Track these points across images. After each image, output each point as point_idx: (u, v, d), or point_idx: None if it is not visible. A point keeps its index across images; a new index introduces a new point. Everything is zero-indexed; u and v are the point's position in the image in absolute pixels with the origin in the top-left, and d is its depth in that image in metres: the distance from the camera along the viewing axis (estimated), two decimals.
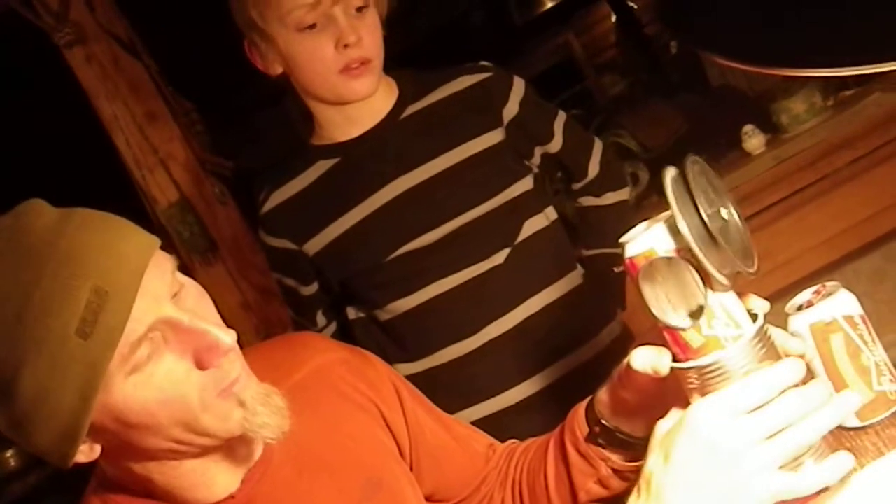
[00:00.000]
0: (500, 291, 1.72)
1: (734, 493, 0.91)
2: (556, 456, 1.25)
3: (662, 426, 0.99)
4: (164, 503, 1.07)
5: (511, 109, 1.74)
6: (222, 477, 1.08)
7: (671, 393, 1.02)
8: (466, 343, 1.72)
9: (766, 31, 0.94)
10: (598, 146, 1.88)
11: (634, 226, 0.99)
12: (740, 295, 0.97)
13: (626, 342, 1.67)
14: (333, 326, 1.89)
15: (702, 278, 0.92)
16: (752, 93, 3.16)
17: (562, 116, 1.83)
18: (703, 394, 0.95)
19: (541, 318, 1.74)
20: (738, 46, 0.96)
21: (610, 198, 1.89)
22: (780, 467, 0.91)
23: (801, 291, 1.22)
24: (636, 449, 1.17)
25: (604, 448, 1.19)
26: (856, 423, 1.18)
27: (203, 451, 1.04)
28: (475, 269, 1.71)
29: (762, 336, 0.95)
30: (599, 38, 4.78)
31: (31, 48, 2.72)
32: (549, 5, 4.65)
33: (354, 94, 1.66)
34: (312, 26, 1.60)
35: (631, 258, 0.96)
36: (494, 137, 1.72)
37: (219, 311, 1.04)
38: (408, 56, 1.90)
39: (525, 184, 1.76)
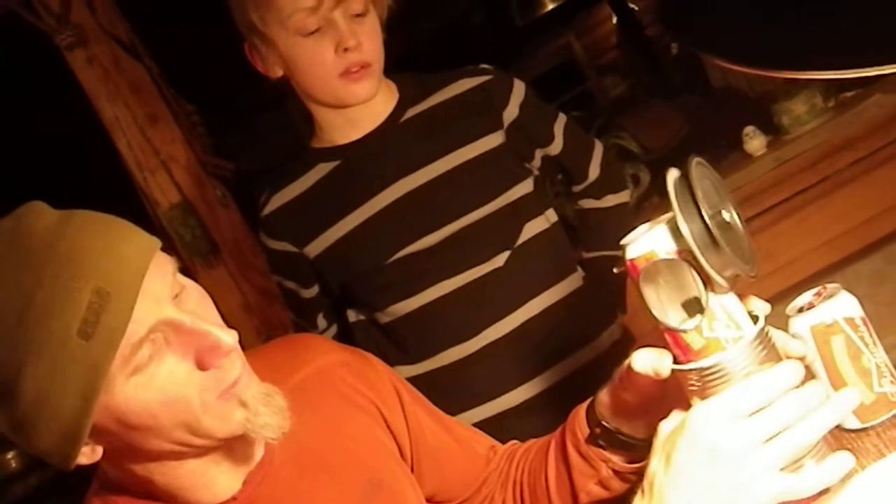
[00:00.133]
0: (500, 294, 1.72)
1: (736, 495, 0.91)
2: (557, 457, 1.25)
3: (666, 427, 0.99)
4: None
5: (511, 112, 1.75)
6: (224, 478, 1.08)
7: (672, 394, 1.02)
8: (467, 345, 1.72)
9: (766, 33, 0.94)
10: (598, 148, 1.88)
11: (635, 227, 0.99)
12: (741, 297, 0.97)
13: (627, 344, 1.68)
14: (334, 329, 1.89)
15: (703, 280, 0.92)
16: (753, 94, 3.16)
17: (562, 119, 1.83)
18: (704, 396, 0.95)
19: (541, 321, 1.74)
20: (739, 48, 0.96)
21: (610, 200, 1.89)
22: (781, 469, 0.91)
23: (801, 293, 1.22)
24: (637, 450, 1.17)
25: (604, 449, 1.19)
26: (857, 424, 1.18)
27: (204, 452, 1.04)
28: (475, 272, 1.71)
29: (763, 338, 0.95)
30: (600, 39, 4.78)
31: (33, 49, 2.72)
32: (550, 7, 4.65)
33: (354, 97, 1.66)
34: (313, 30, 1.60)
35: (632, 260, 0.96)
36: (495, 140, 1.73)
37: (220, 313, 1.04)
38: (408, 58, 1.90)
39: (525, 186, 1.76)
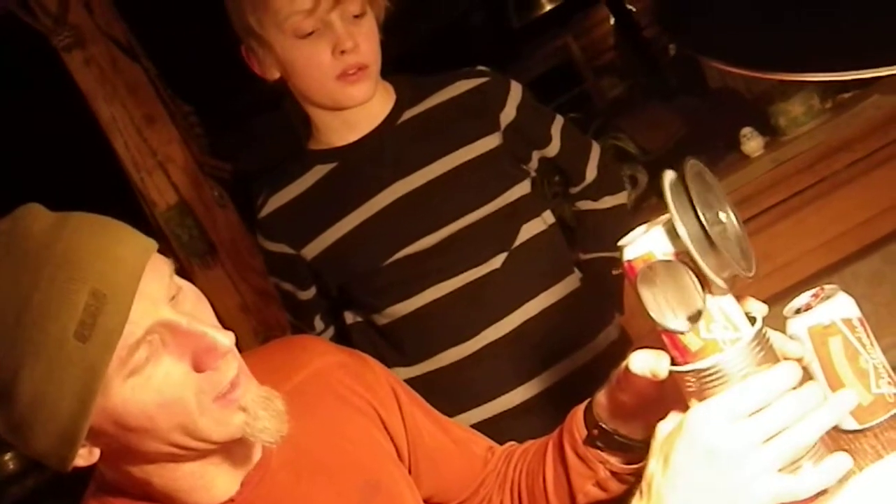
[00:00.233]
0: (497, 295, 1.72)
1: (734, 496, 0.91)
2: (555, 458, 1.25)
3: (664, 428, 0.99)
4: None
5: (508, 114, 1.75)
6: (221, 480, 1.08)
7: (670, 396, 1.02)
8: (464, 347, 1.72)
9: (763, 35, 0.94)
10: (595, 150, 1.88)
11: (633, 229, 0.99)
12: (738, 298, 0.97)
13: (624, 346, 1.68)
14: (331, 331, 1.89)
15: (700, 282, 0.92)
16: (751, 95, 3.17)
17: (559, 120, 1.83)
18: (702, 397, 0.95)
19: (538, 322, 1.74)
20: (736, 50, 0.96)
21: (607, 202, 1.89)
22: (779, 470, 0.91)
23: (799, 294, 1.22)
24: (634, 451, 1.17)
25: (602, 451, 1.19)
26: (854, 425, 1.18)
27: (202, 455, 1.04)
28: (473, 273, 1.71)
29: (760, 339, 0.95)
30: (598, 40, 4.79)
31: (30, 50, 2.72)
32: (548, 8, 4.65)
33: (351, 99, 1.66)
34: (310, 32, 1.60)
35: (629, 261, 0.96)
36: (492, 142, 1.73)
37: (217, 314, 1.04)
38: (406, 59, 1.90)
39: (522, 188, 1.76)
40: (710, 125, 3.12)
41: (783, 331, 1.14)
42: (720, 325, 0.94)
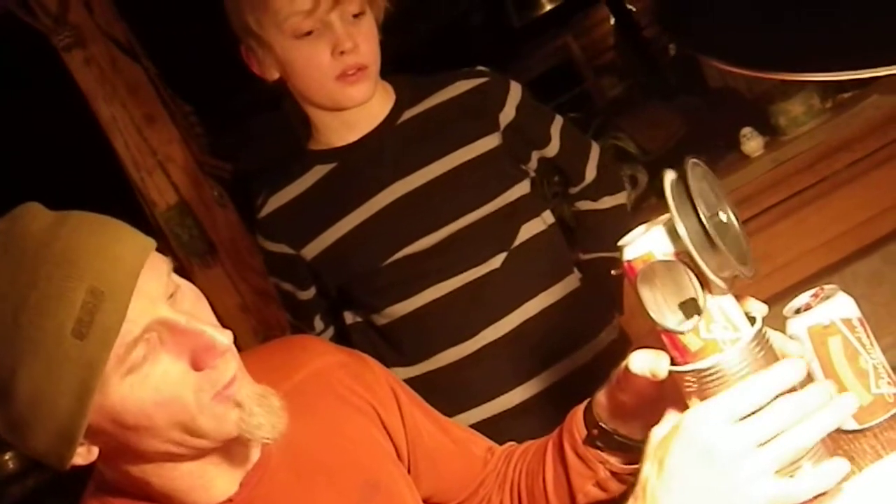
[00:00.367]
0: (497, 295, 1.72)
1: (730, 498, 0.91)
2: (555, 458, 1.25)
3: (657, 432, 0.98)
4: None
5: (508, 114, 1.74)
6: (220, 480, 1.08)
7: (669, 396, 1.02)
8: (463, 347, 1.72)
9: (763, 35, 0.94)
10: (595, 150, 1.88)
11: (633, 229, 0.99)
12: (738, 298, 0.97)
13: (624, 346, 1.68)
14: (331, 331, 1.89)
15: (700, 282, 0.92)
16: (751, 95, 3.17)
17: (559, 120, 1.83)
18: (702, 397, 0.95)
19: (538, 322, 1.74)
20: (736, 50, 0.96)
21: (607, 202, 1.89)
22: (778, 471, 0.91)
23: (799, 294, 1.22)
24: (634, 451, 1.17)
25: (602, 451, 1.19)
26: (854, 426, 1.18)
27: (200, 454, 1.04)
28: (472, 273, 1.71)
29: (760, 339, 0.95)
30: (598, 40, 4.79)
31: (30, 50, 2.72)
32: (548, 8, 4.66)
33: (351, 100, 1.66)
34: (309, 33, 1.60)
35: (629, 261, 0.96)
36: (491, 142, 1.72)
37: (217, 314, 1.05)
38: (405, 60, 1.90)
39: (522, 188, 1.76)
40: (710, 125, 3.12)
41: (783, 331, 1.14)
42: (720, 325, 0.94)
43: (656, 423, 1.07)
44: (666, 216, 0.93)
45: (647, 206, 2.95)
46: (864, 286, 2.75)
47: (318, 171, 1.73)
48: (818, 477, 0.92)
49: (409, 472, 1.27)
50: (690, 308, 0.94)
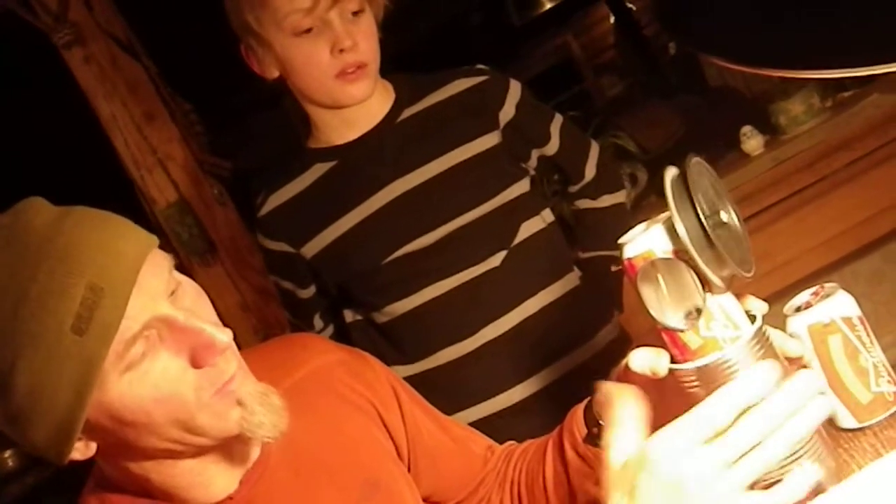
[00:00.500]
0: (496, 294, 1.72)
1: None
2: (555, 457, 1.25)
3: (616, 458, 0.94)
4: (163, 503, 1.07)
5: (507, 112, 1.74)
6: (220, 477, 1.08)
7: (669, 394, 1.02)
8: (463, 345, 1.72)
9: (764, 32, 0.94)
10: (594, 149, 1.88)
11: (633, 227, 0.99)
12: (738, 296, 0.97)
13: (623, 344, 1.68)
14: (331, 329, 1.89)
15: (700, 280, 0.92)
16: (751, 94, 3.17)
17: (558, 119, 1.83)
18: (702, 395, 0.95)
19: (537, 321, 1.74)
20: (736, 47, 0.96)
21: (606, 200, 1.89)
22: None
23: (799, 293, 1.22)
24: None
25: (602, 449, 1.19)
26: (854, 424, 1.19)
27: (200, 451, 1.04)
28: (472, 272, 1.71)
29: (760, 337, 0.95)
30: (598, 39, 4.79)
31: (30, 48, 2.72)
32: (548, 6, 4.66)
33: (350, 98, 1.66)
34: (308, 30, 1.60)
35: (629, 259, 0.96)
36: (491, 140, 1.72)
37: (217, 312, 1.04)
38: (405, 58, 1.90)
39: (521, 186, 1.76)
40: (709, 124, 3.12)
41: (783, 329, 1.14)
42: (720, 324, 0.94)
43: (656, 422, 1.06)
44: (666, 214, 0.93)
45: (647, 204, 2.95)
46: (864, 285, 2.75)
47: (318, 170, 1.73)
48: (792, 488, 0.90)
49: (408, 470, 1.27)
50: (690, 306, 0.94)
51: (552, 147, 1.82)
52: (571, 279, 1.81)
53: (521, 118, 1.76)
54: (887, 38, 0.83)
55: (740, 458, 0.87)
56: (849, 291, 1.19)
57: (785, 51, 0.90)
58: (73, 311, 0.90)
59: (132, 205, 2.74)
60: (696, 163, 0.93)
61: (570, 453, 1.21)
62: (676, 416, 1.14)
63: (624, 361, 1.07)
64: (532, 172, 1.81)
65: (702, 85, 3.38)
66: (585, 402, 1.22)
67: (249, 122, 3.85)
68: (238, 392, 1.01)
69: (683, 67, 3.55)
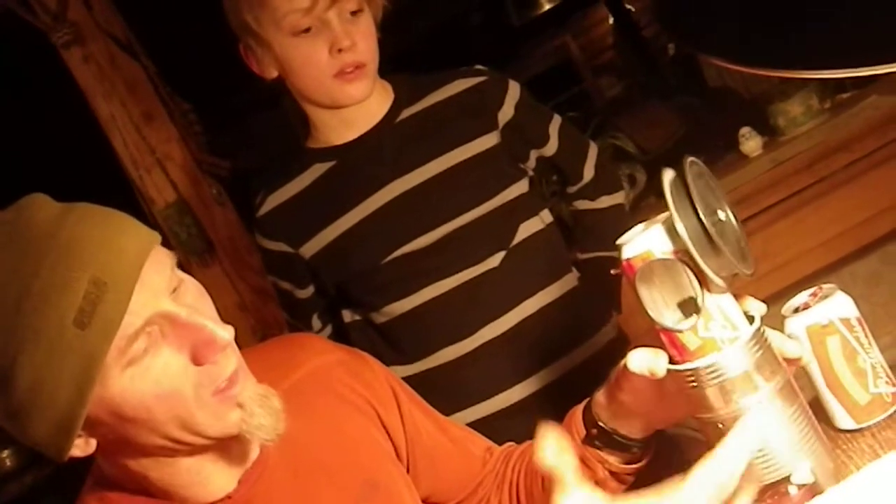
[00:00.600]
0: (495, 294, 1.72)
1: None
2: None
3: None
4: (162, 501, 1.07)
5: (506, 113, 1.74)
6: (218, 477, 1.08)
7: (668, 395, 1.02)
8: (462, 345, 1.72)
9: (763, 33, 0.94)
10: (593, 150, 1.88)
11: (632, 228, 0.99)
12: (737, 297, 0.97)
13: (622, 345, 1.68)
14: (329, 329, 1.89)
15: (699, 280, 0.92)
16: (750, 95, 3.17)
17: (557, 120, 1.83)
18: (701, 395, 0.95)
19: (536, 321, 1.73)
20: (736, 48, 0.96)
21: (605, 201, 1.89)
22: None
23: (797, 294, 1.22)
24: (633, 451, 1.18)
25: (601, 450, 1.19)
26: (852, 425, 1.19)
27: (198, 451, 1.04)
28: (470, 272, 1.71)
29: (759, 338, 0.95)
30: (597, 40, 4.79)
31: (29, 47, 2.72)
32: (547, 7, 4.66)
33: (349, 98, 1.66)
34: (307, 30, 1.60)
35: (628, 260, 0.96)
36: (489, 141, 1.72)
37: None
38: (404, 58, 1.90)
39: (520, 187, 1.76)
40: (708, 125, 3.12)
41: (781, 330, 1.14)
42: (719, 324, 0.94)
43: (656, 422, 1.06)
44: (665, 215, 0.93)
45: (646, 205, 2.95)
46: (863, 286, 2.76)
47: (317, 170, 1.73)
48: None
49: (407, 471, 1.27)
50: (689, 307, 0.94)
51: (551, 148, 1.82)
52: (570, 280, 1.81)
53: (520, 119, 1.76)
54: (887, 39, 0.83)
55: None
56: (847, 292, 1.19)
57: (784, 51, 0.90)
58: (75, 304, 0.91)
59: (131, 204, 2.73)
60: (694, 164, 0.93)
61: None
62: (675, 417, 1.15)
63: (622, 362, 1.07)
64: (531, 173, 1.81)
65: (701, 86, 3.38)
66: (584, 402, 1.22)
67: (248, 122, 3.85)
68: (239, 395, 1.01)
69: (682, 68, 3.55)
